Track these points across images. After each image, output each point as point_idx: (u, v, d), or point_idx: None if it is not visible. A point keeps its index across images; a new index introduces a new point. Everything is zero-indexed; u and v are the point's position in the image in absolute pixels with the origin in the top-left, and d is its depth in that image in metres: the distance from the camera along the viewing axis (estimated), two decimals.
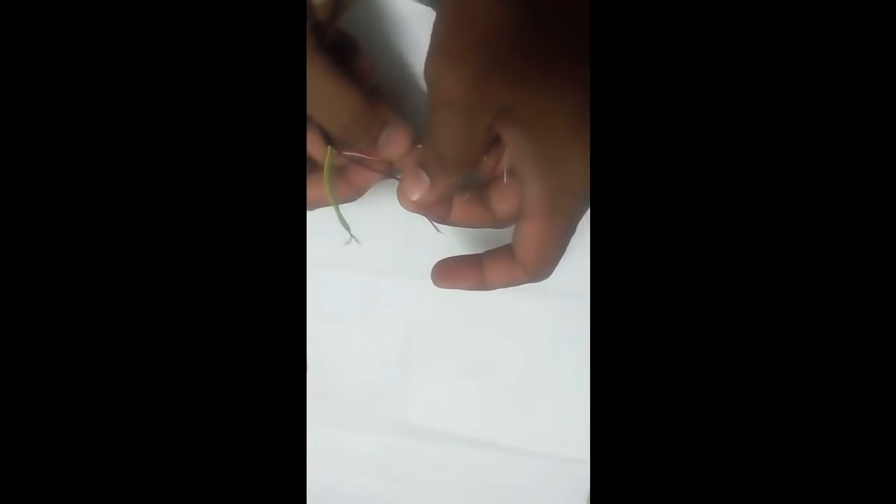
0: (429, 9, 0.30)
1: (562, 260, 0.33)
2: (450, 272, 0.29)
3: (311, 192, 0.29)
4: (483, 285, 0.28)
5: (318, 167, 0.30)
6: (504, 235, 0.29)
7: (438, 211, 0.28)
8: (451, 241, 0.33)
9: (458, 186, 0.27)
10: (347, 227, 0.31)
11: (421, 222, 0.32)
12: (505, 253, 0.27)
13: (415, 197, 0.26)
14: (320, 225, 0.31)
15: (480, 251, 0.33)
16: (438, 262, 0.30)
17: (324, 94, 0.25)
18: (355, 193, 0.29)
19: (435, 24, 0.22)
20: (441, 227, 0.30)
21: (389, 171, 0.28)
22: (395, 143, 0.26)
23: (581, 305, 0.35)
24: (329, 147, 0.28)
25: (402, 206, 0.27)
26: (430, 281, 0.35)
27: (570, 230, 0.26)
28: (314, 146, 0.29)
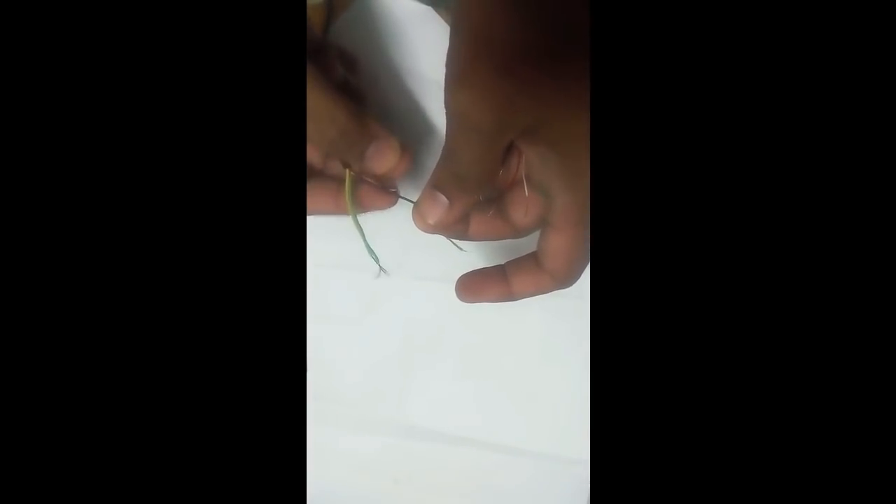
0: (430, 9, 0.30)
1: None
2: (475, 286, 0.29)
3: (322, 200, 0.29)
4: (510, 296, 0.28)
5: (316, 174, 0.30)
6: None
7: (457, 229, 0.28)
8: (451, 244, 0.33)
9: (478, 204, 0.27)
10: (376, 259, 0.31)
11: None
12: (530, 263, 0.27)
13: (432, 220, 0.26)
14: (320, 225, 0.31)
15: (483, 252, 0.33)
16: (462, 276, 0.29)
17: (310, 108, 0.25)
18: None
19: (452, 49, 0.22)
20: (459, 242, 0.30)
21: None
22: (382, 158, 0.27)
23: (581, 305, 0.35)
24: (348, 171, 0.28)
25: (418, 227, 0.27)
26: (430, 281, 0.35)
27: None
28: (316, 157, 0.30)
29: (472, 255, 0.33)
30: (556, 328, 0.35)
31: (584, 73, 0.22)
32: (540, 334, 0.36)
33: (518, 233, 0.28)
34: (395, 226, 0.32)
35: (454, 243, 0.30)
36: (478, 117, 0.22)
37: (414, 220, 0.27)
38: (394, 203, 0.29)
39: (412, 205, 0.27)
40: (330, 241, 0.34)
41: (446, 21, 0.30)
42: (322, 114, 0.26)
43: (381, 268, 0.32)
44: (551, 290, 0.27)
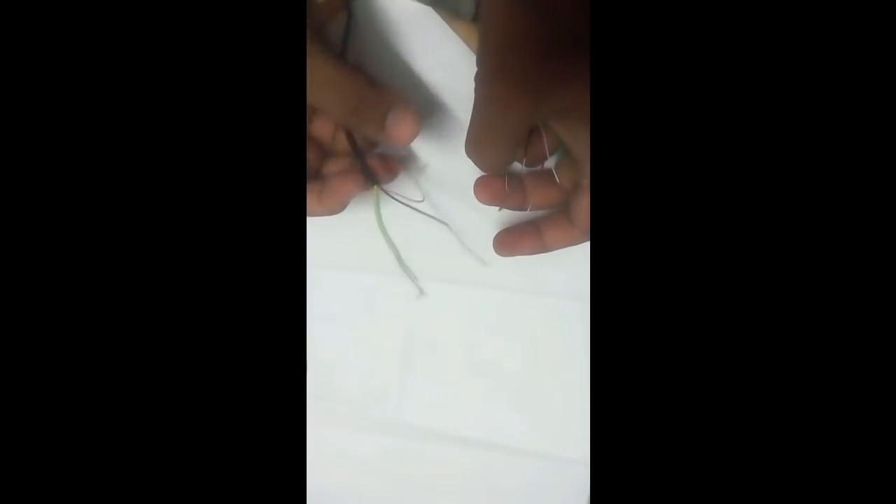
0: (430, 9, 0.30)
1: (562, 260, 0.33)
2: (511, 241, 0.32)
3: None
4: (543, 249, 0.31)
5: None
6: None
7: (515, 200, 0.31)
8: (450, 241, 0.33)
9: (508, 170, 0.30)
10: (414, 278, 0.32)
11: (420, 222, 0.32)
12: (562, 219, 0.31)
13: (409, 133, 0.27)
14: (320, 225, 0.31)
15: (485, 247, 0.33)
16: (499, 232, 0.32)
17: (329, 81, 0.26)
18: (338, 206, 0.30)
19: (486, 44, 0.24)
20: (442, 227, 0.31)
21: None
22: (403, 125, 0.27)
23: (581, 306, 0.35)
24: (375, 187, 0.28)
25: (479, 200, 0.30)
26: (430, 281, 0.35)
27: None
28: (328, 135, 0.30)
29: (471, 257, 0.33)
30: (557, 329, 0.35)
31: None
32: (540, 335, 0.36)
33: (567, 196, 0.31)
34: (395, 226, 0.32)
35: (476, 256, 0.32)
36: (515, 102, 0.24)
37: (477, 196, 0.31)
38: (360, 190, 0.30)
39: (417, 202, 0.28)
40: (330, 241, 0.34)
41: (446, 21, 0.30)
42: (341, 84, 0.26)
43: (419, 289, 0.33)
44: (579, 243, 0.31)
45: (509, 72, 0.24)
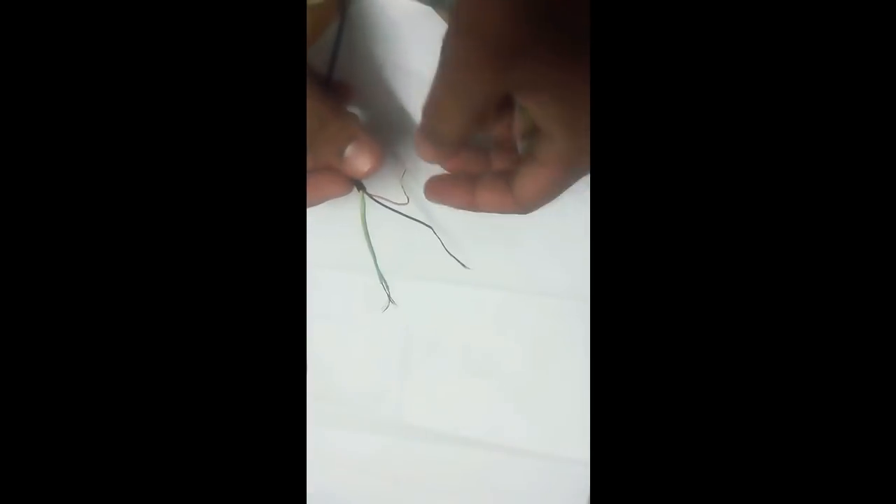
0: (430, 9, 0.30)
1: (562, 260, 0.33)
2: (442, 189, 0.30)
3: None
4: (473, 207, 0.30)
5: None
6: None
7: (464, 199, 0.29)
8: (451, 240, 0.33)
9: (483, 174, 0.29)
10: (386, 287, 0.32)
11: (418, 223, 0.32)
12: (500, 182, 0.29)
13: (365, 168, 0.27)
14: (320, 225, 0.31)
15: (469, 250, 0.33)
16: (432, 177, 0.30)
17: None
18: (313, 202, 0.29)
19: (459, 7, 0.23)
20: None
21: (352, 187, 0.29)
22: (360, 159, 0.27)
23: (581, 306, 0.35)
24: (362, 193, 0.28)
25: (428, 198, 0.30)
26: (430, 281, 0.35)
27: (569, 186, 0.27)
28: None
29: (471, 263, 0.33)
30: (556, 328, 0.35)
31: (584, 35, 0.22)
32: (540, 334, 0.36)
33: (522, 207, 0.28)
34: (395, 226, 0.32)
35: (459, 262, 0.32)
36: (482, 63, 0.23)
37: (418, 153, 0.28)
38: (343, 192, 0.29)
39: (401, 205, 0.28)
40: (330, 241, 0.34)
41: (446, 21, 0.30)
42: (307, 106, 0.26)
43: (389, 298, 0.33)
44: (510, 213, 0.29)
45: (479, 31, 0.23)
